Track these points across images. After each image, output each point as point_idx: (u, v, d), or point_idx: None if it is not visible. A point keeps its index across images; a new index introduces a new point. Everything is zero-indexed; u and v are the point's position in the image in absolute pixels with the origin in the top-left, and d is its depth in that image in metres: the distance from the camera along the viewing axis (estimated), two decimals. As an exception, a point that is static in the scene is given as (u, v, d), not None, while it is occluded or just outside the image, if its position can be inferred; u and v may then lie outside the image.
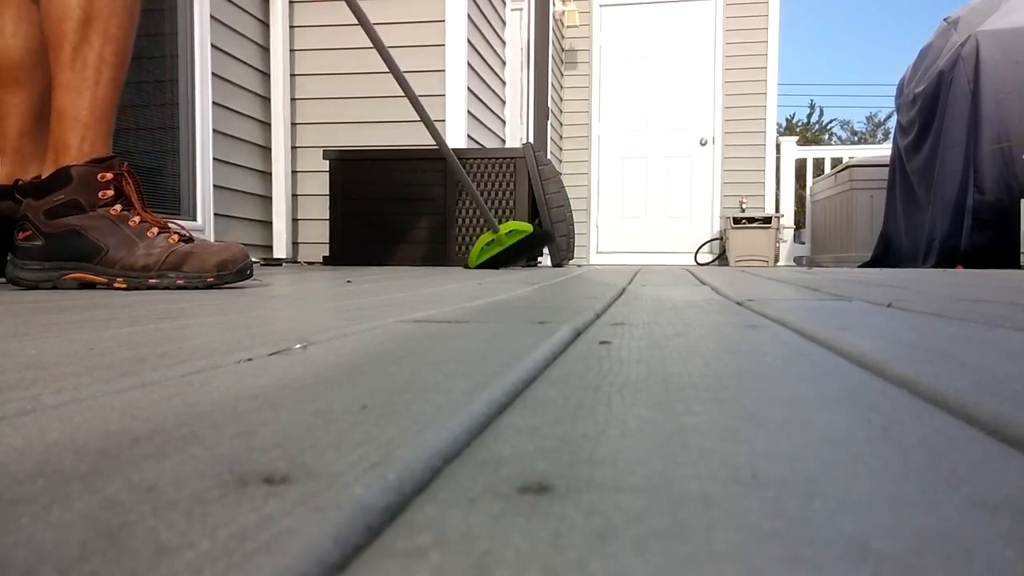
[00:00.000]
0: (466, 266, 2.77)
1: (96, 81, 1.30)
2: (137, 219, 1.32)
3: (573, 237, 3.34)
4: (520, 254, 2.75)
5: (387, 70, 2.16)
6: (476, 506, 0.19)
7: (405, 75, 2.19)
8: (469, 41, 3.39)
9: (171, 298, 1.02)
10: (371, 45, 2.09)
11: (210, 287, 1.29)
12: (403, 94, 2.20)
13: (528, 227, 2.71)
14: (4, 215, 1.41)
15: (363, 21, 2.05)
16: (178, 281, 1.28)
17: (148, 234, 1.31)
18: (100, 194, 1.30)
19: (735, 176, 6.12)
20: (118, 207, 1.32)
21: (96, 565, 0.15)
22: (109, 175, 1.30)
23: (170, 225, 1.36)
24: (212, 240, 2.81)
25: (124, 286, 1.28)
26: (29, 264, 1.30)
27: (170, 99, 2.79)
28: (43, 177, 1.31)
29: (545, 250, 3.24)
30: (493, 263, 2.70)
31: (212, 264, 1.29)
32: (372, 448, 0.24)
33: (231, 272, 1.31)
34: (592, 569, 0.15)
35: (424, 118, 2.26)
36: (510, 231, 2.67)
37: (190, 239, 1.34)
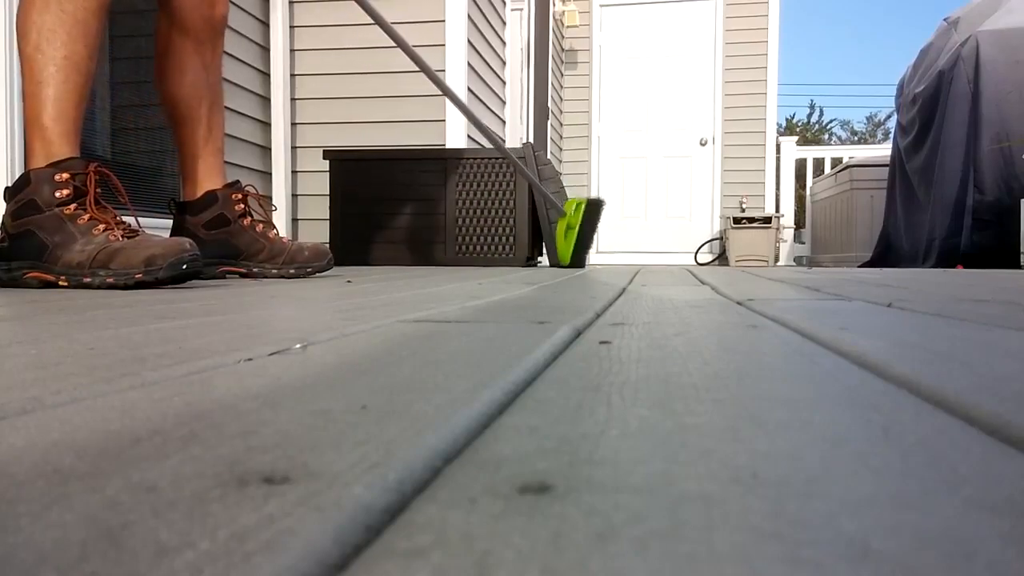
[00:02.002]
0: (559, 265, 2.91)
1: (52, 85, 1.32)
2: (86, 216, 1.31)
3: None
4: (593, 227, 2.91)
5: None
6: (476, 506, 0.19)
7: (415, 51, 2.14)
8: (469, 41, 3.39)
9: (170, 297, 1.02)
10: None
11: (140, 285, 1.22)
12: (417, 69, 2.16)
13: (577, 199, 2.89)
14: (187, 228, 1.71)
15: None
16: (108, 279, 1.23)
17: (93, 231, 1.30)
18: (56, 194, 1.31)
19: (735, 176, 6.12)
20: (73, 206, 1.31)
21: (96, 565, 0.15)
22: (66, 175, 1.31)
23: (126, 220, 1.35)
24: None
25: (67, 284, 1.28)
26: None
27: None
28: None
29: (544, 250, 3.25)
30: (579, 255, 2.87)
31: (139, 260, 1.22)
32: (372, 448, 0.24)
33: (160, 268, 1.22)
34: (592, 569, 0.15)
35: (433, 78, 2.23)
36: (575, 206, 2.84)
37: (136, 235, 1.30)
